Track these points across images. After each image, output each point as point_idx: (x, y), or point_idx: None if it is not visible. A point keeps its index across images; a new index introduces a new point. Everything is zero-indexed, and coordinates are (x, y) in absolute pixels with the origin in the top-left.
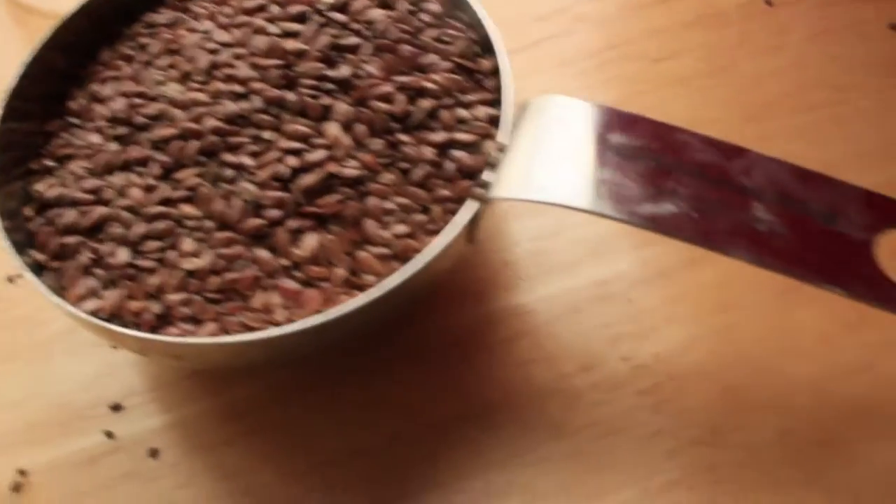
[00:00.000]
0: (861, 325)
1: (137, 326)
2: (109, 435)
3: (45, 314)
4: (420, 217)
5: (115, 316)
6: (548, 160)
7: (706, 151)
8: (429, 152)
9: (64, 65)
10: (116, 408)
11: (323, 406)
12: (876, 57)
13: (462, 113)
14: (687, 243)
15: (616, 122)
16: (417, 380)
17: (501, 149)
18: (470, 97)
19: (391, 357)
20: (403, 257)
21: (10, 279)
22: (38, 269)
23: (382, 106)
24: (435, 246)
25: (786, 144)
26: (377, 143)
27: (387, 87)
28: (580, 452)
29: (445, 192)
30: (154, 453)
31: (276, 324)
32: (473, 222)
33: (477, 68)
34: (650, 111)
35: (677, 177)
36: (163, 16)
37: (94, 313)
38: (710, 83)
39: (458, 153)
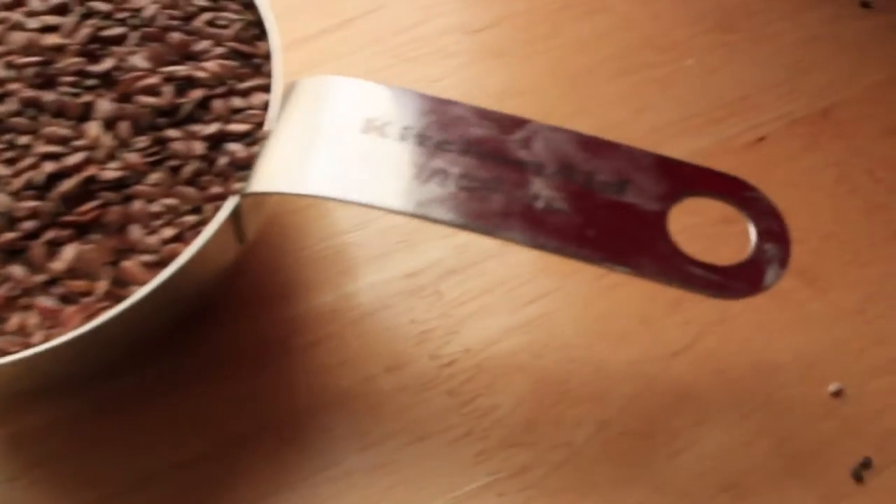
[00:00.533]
0: (682, 303)
1: None
2: None
3: None
4: (191, 218)
5: None
6: (311, 147)
7: (481, 125)
8: (199, 147)
9: None
10: None
11: (115, 432)
12: (702, 14)
13: (237, 102)
14: (455, 228)
15: (383, 99)
16: (214, 394)
17: (265, 139)
18: (247, 84)
19: (185, 371)
20: (163, 265)
21: None
22: None
23: (148, 100)
24: (191, 248)
25: (607, 112)
26: (143, 141)
27: (152, 79)
28: (388, 462)
29: (218, 190)
30: None
31: (33, 346)
32: (237, 219)
33: (254, 52)
34: (466, 86)
35: (449, 155)
36: None
37: None
38: (530, 52)
39: (232, 146)
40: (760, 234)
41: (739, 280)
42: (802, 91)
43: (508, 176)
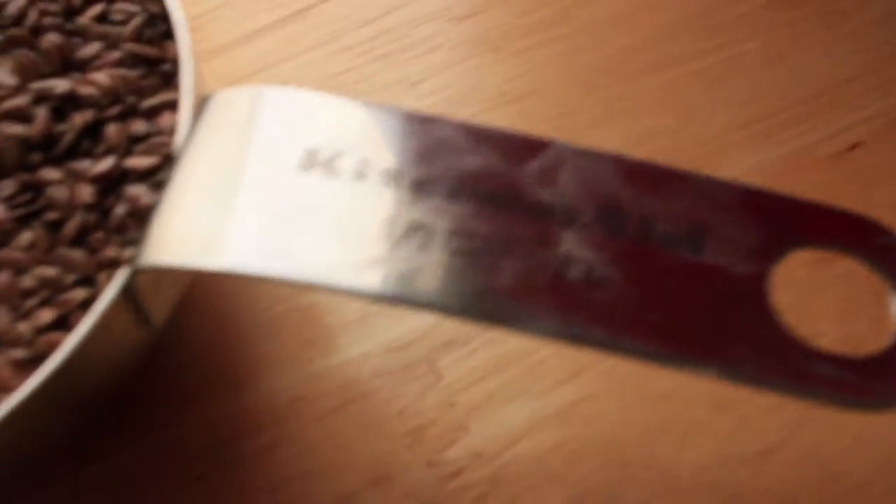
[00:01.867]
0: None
1: None
2: None
3: None
4: (79, 294)
5: None
6: (231, 194)
7: (479, 151)
8: (87, 192)
9: None
10: None
11: None
12: None
13: (138, 127)
14: (447, 316)
15: (335, 117)
16: None
17: (167, 182)
18: (152, 101)
19: (91, 495)
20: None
21: None
22: None
23: (14, 129)
24: (68, 343)
25: (638, 120)
26: (8, 187)
27: (19, 100)
28: None
29: (115, 252)
30: None
31: None
32: (133, 297)
33: (161, 55)
34: (453, 90)
35: (434, 201)
36: None
37: None
38: (531, 43)
39: (134, 189)
40: None
41: (886, 379)
42: None
43: (524, 230)
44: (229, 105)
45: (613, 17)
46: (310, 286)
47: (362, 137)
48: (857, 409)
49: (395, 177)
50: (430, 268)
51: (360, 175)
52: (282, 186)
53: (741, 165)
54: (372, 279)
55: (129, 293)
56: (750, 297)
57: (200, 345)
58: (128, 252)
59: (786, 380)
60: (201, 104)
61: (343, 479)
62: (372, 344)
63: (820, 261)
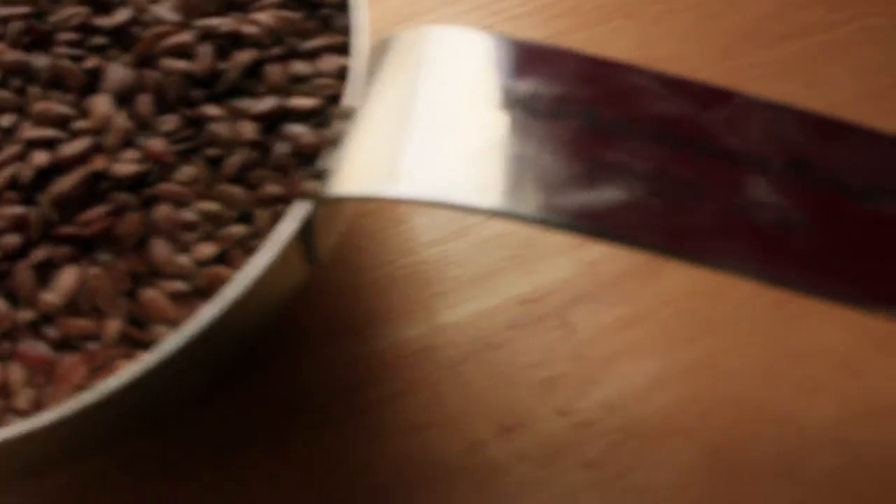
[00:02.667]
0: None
1: None
2: None
3: None
4: (238, 230)
5: None
6: (419, 130)
7: (670, 99)
8: (249, 129)
9: None
10: None
11: None
12: None
13: (300, 67)
14: (647, 251)
15: (525, 59)
16: (265, 464)
17: (348, 116)
18: (313, 43)
19: (228, 433)
20: (212, 293)
21: None
22: None
23: (178, 64)
24: (246, 273)
25: (772, 85)
26: (170, 122)
27: (184, 36)
28: None
29: (276, 189)
30: None
31: (18, 412)
32: (308, 233)
33: (321, 0)
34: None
35: (626, 143)
36: None
37: None
38: (665, 9)
39: (296, 128)
40: None
41: None
42: None
43: (719, 175)
44: (406, 45)
45: None
46: (503, 216)
47: (556, 79)
48: None
49: (593, 119)
50: (631, 206)
51: (557, 114)
52: (473, 122)
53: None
54: (570, 213)
55: (307, 225)
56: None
57: (334, 294)
58: (310, 185)
59: None
60: (377, 48)
61: (473, 428)
62: (502, 297)
63: None
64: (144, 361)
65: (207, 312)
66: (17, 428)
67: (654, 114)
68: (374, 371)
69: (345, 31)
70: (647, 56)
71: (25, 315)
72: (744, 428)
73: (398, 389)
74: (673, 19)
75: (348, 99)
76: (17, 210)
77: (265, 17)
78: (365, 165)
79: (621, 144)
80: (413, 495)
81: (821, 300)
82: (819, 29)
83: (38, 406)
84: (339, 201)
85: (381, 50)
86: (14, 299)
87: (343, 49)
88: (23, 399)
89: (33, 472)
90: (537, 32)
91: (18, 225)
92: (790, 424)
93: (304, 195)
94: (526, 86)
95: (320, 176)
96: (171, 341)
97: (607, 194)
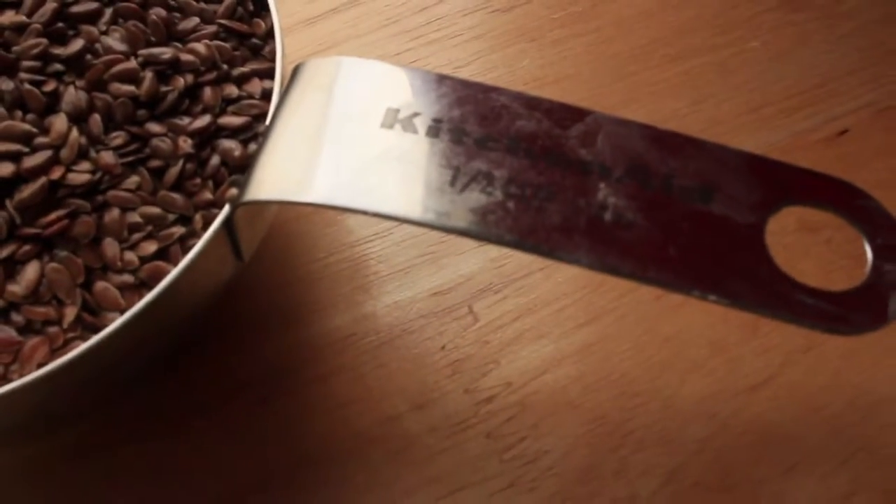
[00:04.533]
0: (760, 326)
1: None
2: None
3: None
4: (177, 230)
5: None
6: (320, 145)
7: (531, 117)
8: (186, 144)
9: None
10: None
11: (96, 479)
12: None
13: (231, 90)
14: (503, 247)
15: (410, 84)
16: (208, 439)
17: (263, 135)
18: (243, 69)
19: (172, 412)
20: (154, 284)
21: None
22: None
23: (124, 88)
24: (179, 266)
25: (660, 102)
26: (119, 138)
27: (130, 64)
28: None
29: (209, 196)
30: None
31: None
32: (232, 232)
33: (251, 31)
34: (495, 73)
35: (493, 155)
36: None
37: None
38: (565, 34)
39: (226, 143)
40: (878, 252)
41: (859, 309)
42: (888, 77)
43: (568, 181)
44: (316, 72)
45: (638, 13)
46: (387, 218)
47: (433, 101)
48: (838, 334)
49: (462, 134)
50: (492, 208)
51: (433, 132)
52: (365, 138)
53: (747, 146)
54: (441, 215)
55: (229, 225)
56: (749, 242)
57: (269, 288)
58: (231, 191)
59: (779, 309)
60: (292, 72)
61: (391, 404)
62: (417, 290)
63: (806, 228)
64: (94, 339)
65: (146, 298)
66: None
67: (513, 129)
68: (303, 355)
69: (272, 57)
70: (548, 75)
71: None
72: (625, 401)
73: (325, 372)
74: (571, 43)
75: (263, 119)
76: None
77: (201, 46)
78: (276, 175)
79: (485, 155)
80: (337, 463)
81: (652, 286)
82: (702, 52)
83: (5, 380)
84: (258, 206)
85: (295, 75)
86: None
87: (269, 74)
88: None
89: (6, 442)
90: (454, 54)
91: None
92: (665, 400)
93: (225, 200)
94: (412, 106)
95: (238, 184)
96: (115, 322)
97: (472, 199)
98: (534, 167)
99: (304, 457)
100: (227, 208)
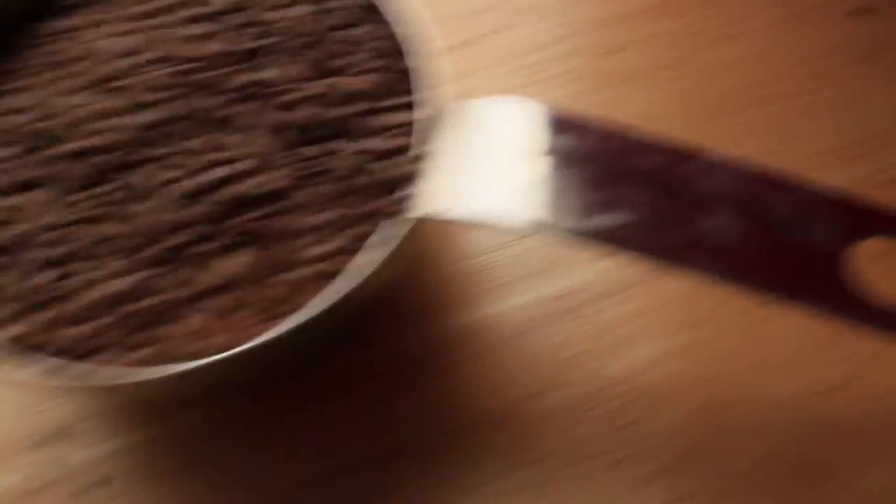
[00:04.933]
0: (838, 339)
1: (63, 354)
2: (59, 462)
3: None
4: (344, 234)
5: (25, 346)
6: (480, 170)
7: (657, 155)
8: (350, 163)
9: None
10: (62, 433)
11: (270, 435)
12: (837, 44)
13: (385, 118)
14: (640, 258)
15: (556, 123)
16: (363, 408)
17: (426, 158)
18: (393, 101)
19: (336, 383)
20: (327, 278)
21: None
22: None
23: (297, 114)
24: (358, 267)
25: (748, 140)
26: (295, 155)
27: (301, 93)
28: (540, 485)
29: (369, 208)
30: (108, 479)
31: (197, 351)
32: (402, 239)
33: (401, 68)
34: (599, 110)
35: (627, 184)
36: (60, 23)
37: (17, 340)
38: (662, 77)
39: (382, 163)
40: None
41: None
42: None
43: (683, 208)
44: (469, 108)
45: (727, 61)
46: (542, 231)
47: (575, 138)
48: None
49: (600, 167)
50: (625, 227)
51: (575, 163)
52: (517, 166)
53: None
54: (586, 228)
55: (402, 234)
56: (828, 266)
57: (412, 286)
58: (406, 205)
59: (856, 316)
60: (449, 109)
61: (520, 387)
62: (540, 294)
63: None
64: (302, 314)
65: (328, 296)
66: (213, 358)
67: (645, 165)
68: (443, 344)
69: (419, 92)
70: (647, 113)
71: (204, 285)
72: (724, 394)
73: (459, 359)
74: (669, 86)
75: (426, 145)
76: (196, 211)
77: (360, 80)
78: (442, 194)
79: (624, 185)
80: (477, 433)
81: (754, 294)
82: (785, 97)
83: (214, 347)
84: (420, 219)
85: (450, 112)
86: (195, 274)
87: (416, 106)
88: (219, 338)
89: (217, 394)
90: (563, 91)
91: (196, 221)
92: (756, 394)
93: (396, 213)
94: (560, 142)
95: (407, 200)
96: (319, 302)
97: (614, 219)
98: (660, 196)
99: (442, 432)
100: (398, 220)
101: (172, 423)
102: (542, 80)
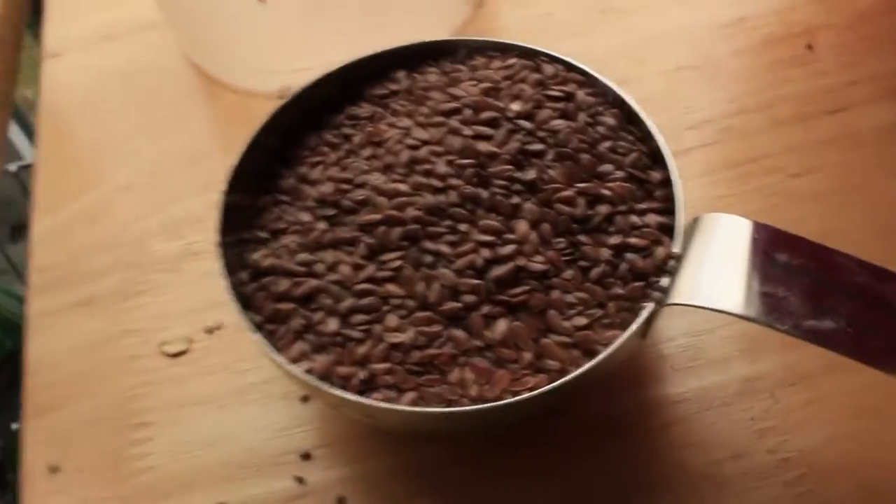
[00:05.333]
0: None
1: (344, 389)
2: (300, 480)
3: (241, 365)
4: (597, 311)
5: (323, 378)
6: (716, 271)
7: (861, 274)
8: (605, 253)
9: (276, 146)
10: (306, 456)
11: (492, 473)
12: None
13: (634, 219)
14: (845, 357)
15: (778, 240)
16: (583, 457)
17: (675, 257)
18: (642, 205)
19: (557, 434)
20: (583, 347)
21: (209, 331)
22: (255, 326)
23: (565, 208)
24: (617, 340)
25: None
26: (560, 242)
27: (569, 192)
28: None
29: (619, 291)
30: (341, 501)
31: (470, 398)
32: (648, 322)
33: (647, 179)
34: (786, 223)
35: (835, 296)
36: (364, 110)
37: (308, 373)
38: (844, 199)
39: (632, 256)
40: None
41: None
42: None
43: (887, 321)
44: (709, 220)
45: None
46: (767, 327)
47: (796, 252)
48: None
49: (817, 280)
50: (837, 331)
51: (797, 274)
52: (749, 270)
53: None
54: (805, 331)
55: (650, 317)
56: None
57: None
58: (657, 294)
59: None
60: (694, 219)
61: (713, 452)
62: (734, 374)
63: None
64: (552, 382)
65: (592, 360)
66: (468, 408)
67: (852, 281)
68: (649, 409)
69: (661, 199)
70: (828, 230)
71: (476, 343)
72: (888, 477)
73: (664, 422)
74: (848, 207)
75: (675, 246)
76: (473, 282)
77: (615, 185)
78: (685, 287)
79: (833, 296)
80: (677, 487)
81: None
82: None
83: (481, 396)
84: (667, 306)
85: (692, 221)
86: (470, 333)
87: (660, 211)
88: (473, 390)
89: (466, 434)
90: (757, 204)
91: (473, 290)
92: None
93: (650, 299)
94: (780, 255)
95: (661, 290)
96: (570, 372)
97: (825, 324)
98: (864, 308)
99: (651, 482)
100: (651, 305)
101: (404, 456)
102: (739, 192)
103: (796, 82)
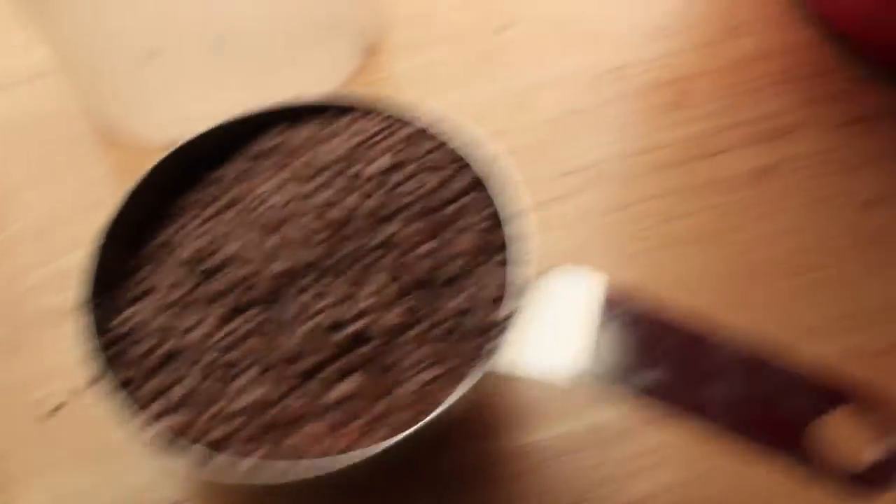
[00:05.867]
0: (801, 493)
1: (200, 443)
2: None
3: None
4: (442, 367)
5: (181, 434)
6: (549, 333)
7: (679, 334)
8: (452, 310)
9: (155, 201)
10: None
11: None
12: (854, 229)
13: (482, 277)
14: (671, 407)
15: (613, 296)
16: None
17: (512, 315)
18: (490, 263)
19: (410, 486)
20: (428, 401)
21: (84, 387)
22: (116, 386)
23: (415, 267)
24: (454, 394)
25: (776, 306)
26: (409, 300)
27: (419, 250)
28: None
29: (464, 347)
30: None
31: (318, 452)
32: (481, 377)
33: (499, 235)
34: (657, 267)
35: (659, 352)
36: (237, 167)
37: (164, 431)
38: (712, 245)
39: (478, 313)
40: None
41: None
42: None
43: (698, 376)
44: (553, 276)
45: (763, 237)
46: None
47: (625, 312)
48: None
49: (647, 332)
50: (657, 385)
51: (628, 324)
52: (586, 329)
53: (823, 350)
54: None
55: (486, 372)
56: (802, 433)
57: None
58: (489, 352)
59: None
60: (535, 276)
61: (563, 495)
62: (578, 425)
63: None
64: (404, 433)
65: (433, 412)
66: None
67: (676, 338)
68: (495, 460)
69: (514, 255)
70: (695, 274)
71: (328, 398)
72: None
73: (510, 473)
74: (715, 252)
75: (513, 303)
76: (327, 339)
77: (464, 244)
78: (518, 350)
79: (656, 352)
80: None
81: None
82: (809, 270)
83: (333, 448)
84: (493, 370)
85: (536, 277)
86: (322, 389)
87: (512, 266)
88: (325, 443)
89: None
90: (626, 248)
91: (325, 348)
92: None
93: (485, 357)
94: (612, 310)
95: (494, 350)
96: (419, 424)
97: (646, 377)
98: (679, 364)
99: None
100: (486, 361)
101: None
102: (611, 237)
103: (675, 127)
